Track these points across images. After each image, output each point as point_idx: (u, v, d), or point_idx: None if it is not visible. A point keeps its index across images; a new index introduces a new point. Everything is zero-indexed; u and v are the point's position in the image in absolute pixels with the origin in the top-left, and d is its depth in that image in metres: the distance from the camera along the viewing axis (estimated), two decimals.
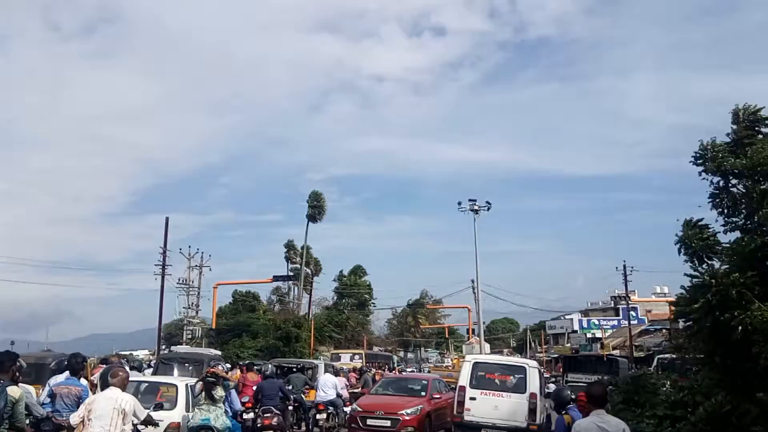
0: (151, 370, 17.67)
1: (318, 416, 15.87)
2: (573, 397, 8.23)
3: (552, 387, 28.13)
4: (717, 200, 9.32)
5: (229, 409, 10.04)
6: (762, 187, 8.64)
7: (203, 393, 9.76)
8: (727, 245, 9.08)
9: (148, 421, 7.16)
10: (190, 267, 47.18)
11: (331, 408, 15.80)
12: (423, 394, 15.72)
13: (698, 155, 9.35)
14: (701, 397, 10.94)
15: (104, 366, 12.33)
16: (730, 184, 9.27)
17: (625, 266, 47.91)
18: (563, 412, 8.03)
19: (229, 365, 22.80)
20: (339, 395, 16.41)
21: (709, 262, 9.27)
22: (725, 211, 9.29)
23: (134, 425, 6.90)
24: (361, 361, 46.19)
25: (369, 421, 14.40)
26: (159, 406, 8.64)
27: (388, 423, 14.28)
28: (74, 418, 6.66)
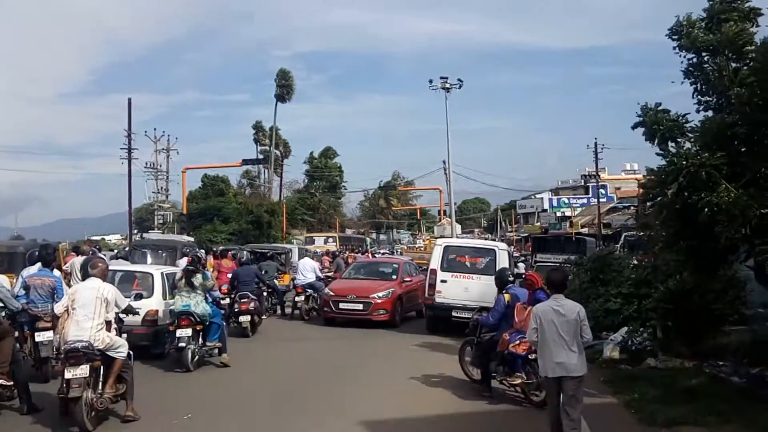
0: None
1: (297, 299, 16.32)
2: (512, 279, 8.88)
3: (521, 267, 29.08)
4: (690, 78, 9.14)
5: (209, 296, 10.17)
6: (734, 65, 8.41)
7: (183, 280, 9.97)
8: (697, 126, 9.01)
9: (128, 310, 7.43)
10: (157, 150, 46.38)
11: (309, 290, 16.05)
12: (394, 277, 16.01)
13: (674, 30, 9.15)
14: (665, 276, 11.32)
15: (76, 254, 12.28)
16: (703, 62, 9.04)
17: (596, 144, 47.94)
18: (504, 291, 8.57)
19: (203, 251, 22.93)
20: (319, 278, 16.67)
21: (678, 141, 9.23)
22: (698, 88, 9.13)
23: (116, 314, 7.11)
24: (335, 243, 46.99)
25: (341, 305, 14.72)
26: (139, 296, 8.71)
27: (360, 306, 14.62)
28: (59, 308, 6.88)
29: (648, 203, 10.19)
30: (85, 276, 7.34)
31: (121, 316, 7.43)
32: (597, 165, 49.38)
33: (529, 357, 7.75)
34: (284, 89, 59.04)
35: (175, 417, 7.07)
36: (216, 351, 10.13)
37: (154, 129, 47.81)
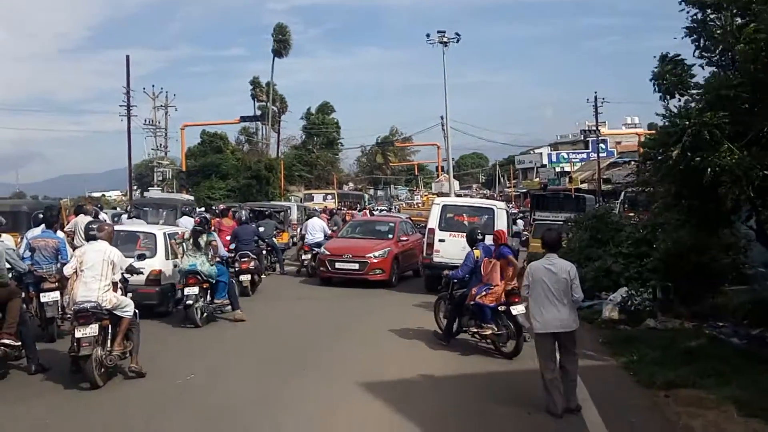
0: (125, 215, 17.62)
1: (304, 257, 16.57)
2: (481, 237, 9.31)
3: (520, 224, 29.03)
4: (694, 34, 8.91)
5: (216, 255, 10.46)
6: (739, 20, 8.18)
7: (191, 240, 10.22)
8: (700, 83, 8.85)
9: (132, 270, 7.66)
10: (155, 107, 45.93)
11: (317, 249, 16.11)
12: (390, 236, 15.80)
13: None
14: (665, 235, 11.31)
15: (80, 214, 12.63)
16: (708, 17, 8.80)
17: (596, 98, 47.14)
18: (474, 247, 8.98)
19: (203, 209, 22.88)
20: (327, 237, 16.73)
21: (683, 99, 9.08)
22: (701, 44, 8.92)
23: (122, 274, 7.36)
24: (334, 200, 46.92)
25: (338, 264, 14.58)
26: (142, 256, 8.85)
27: (356, 266, 14.52)
28: (68, 270, 7.08)
29: (648, 162, 10.07)
30: (90, 238, 7.58)
31: (126, 276, 7.60)
32: (597, 119, 48.65)
33: (499, 309, 8.29)
34: (281, 44, 57.93)
35: (179, 377, 7.16)
36: (228, 308, 10.48)
37: (153, 86, 47.48)
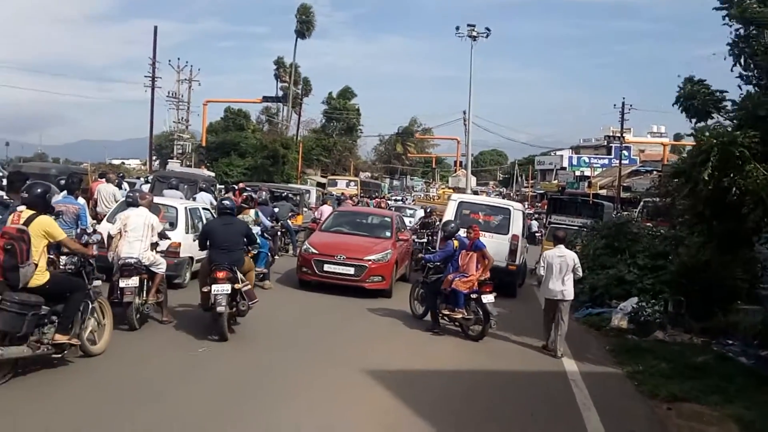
0: (148, 186, 17.84)
1: None
2: (456, 231, 9.80)
3: (534, 225, 28.95)
4: (735, 50, 8.85)
5: (258, 229, 11.22)
6: None
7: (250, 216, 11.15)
8: (736, 102, 8.80)
9: (163, 235, 8.47)
10: (179, 80, 45.98)
11: None
12: (388, 234, 13.04)
13: None
14: (684, 249, 11.28)
15: (103, 180, 14.05)
16: (751, 35, 8.73)
17: (623, 104, 46.37)
18: (452, 238, 9.64)
19: (222, 187, 23.03)
20: None
21: (713, 117, 9.05)
22: (741, 62, 8.85)
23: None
24: (356, 187, 47.00)
25: (327, 267, 11.60)
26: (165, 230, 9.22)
27: (350, 270, 11.57)
28: (113, 230, 8.15)
29: (676, 179, 9.98)
30: (132, 204, 8.63)
31: (155, 239, 8.27)
32: (622, 125, 47.84)
33: (471, 296, 9.16)
34: (304, 25, 57.62)
35: (192, 349, 7.32)
36: (261, 276, 11.14)
37: (178, 58, 47.65)
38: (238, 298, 7.93)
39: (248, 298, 8.01)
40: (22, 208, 6.01)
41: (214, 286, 7.61)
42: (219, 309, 7.52)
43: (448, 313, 9.34)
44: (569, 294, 8.86)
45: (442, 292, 9.36)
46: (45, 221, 5.80)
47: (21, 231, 5.54)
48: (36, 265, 5.62)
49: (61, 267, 6.31)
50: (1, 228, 5.85)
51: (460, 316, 9.22)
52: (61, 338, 5.78)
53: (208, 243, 8.29)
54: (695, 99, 8.83)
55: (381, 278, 11.75)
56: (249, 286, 8.18)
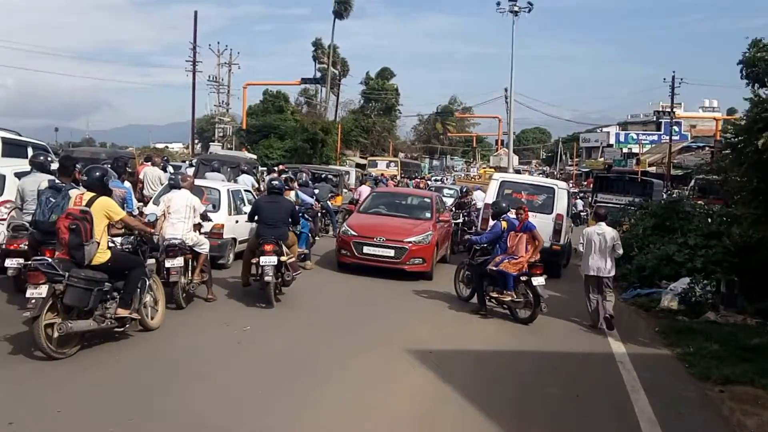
0: (192, 169, 18.19)
1: None
2: (507, 209, 9.54)
3: (579, 204, 28.36)
4: None
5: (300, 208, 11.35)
6: None
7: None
8: None
9: (205, 216, 8.60)
10: (219, 64, 46.66)
11: None
12: (428, 215, 12.88)
13: None
14: (738, 227, 10.87)
15: (149, 164, 14.49)
16: None
17: (673, 77, 44.66)
18: (500, 219, 9.41)
19: (264, 169, 23.33)
20: None
21: None
22: None
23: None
24: (397, 168, 46.97)
25: (366, 249, 11.51)
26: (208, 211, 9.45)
27: (391, 252, 11.47)
28: (159, 211, 8.24)
29: (729, 150, 9.63)
30: (175, 187, 8.78)
31: (197, 220, 8.44)
32: (672, 100, 46.16)
33: (521, 278, 8.93)
34: (342, 5, 57.52)
35: (237, 327, 7.46)
36: (302, 257, 11.21)
37: (218, 43, 48.37)
38: (283, 269, 8.64)
39: (292, 270, 8.75)
40: (75, 192, 6.34)
41: (262, 258, 8.37)
42: (267, 278, 8.28)
43: (496, 295, 9.16)
44: (608, 270, 9.00)
45: (490, 274, 9.16)
46: (106, 202, 6.10)
47: (84, 212, 5.84)
48: (98, 244, 5.91)
49: (119, 247, 6.54)
50: (59, 210, 6.32)
51: (509, 298, 9.04)
52: (122, 312, 6.12)
53: (256, 218, 9.10)
54: (757, 65, 8.45)
55: (422, 260, 11.60)
56: (293, 259, 8.94)
